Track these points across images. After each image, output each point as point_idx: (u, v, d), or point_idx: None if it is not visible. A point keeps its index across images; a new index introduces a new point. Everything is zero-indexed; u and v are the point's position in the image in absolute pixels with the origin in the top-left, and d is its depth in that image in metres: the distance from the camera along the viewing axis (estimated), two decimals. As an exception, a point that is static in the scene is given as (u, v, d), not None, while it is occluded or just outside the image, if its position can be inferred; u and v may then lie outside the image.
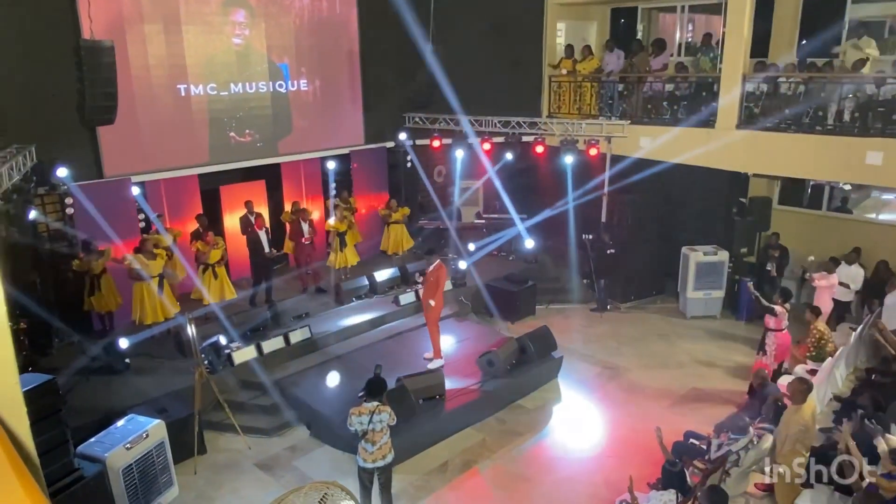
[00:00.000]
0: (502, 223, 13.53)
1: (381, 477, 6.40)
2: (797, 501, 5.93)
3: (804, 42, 11.78)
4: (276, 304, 10.54)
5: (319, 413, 8.25)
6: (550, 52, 13.70)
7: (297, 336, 9.62)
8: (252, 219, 11.07)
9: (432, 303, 9.22)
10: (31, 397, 5.37)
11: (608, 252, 12.09)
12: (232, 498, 7.19)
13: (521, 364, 9.25)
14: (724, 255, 11.53)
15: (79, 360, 8.61)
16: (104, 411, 7.64)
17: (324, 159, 12.93)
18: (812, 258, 10.79)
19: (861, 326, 9.49)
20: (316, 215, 12.70)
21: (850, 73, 10.01)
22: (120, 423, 6.91)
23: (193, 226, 10.91)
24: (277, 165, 12.52)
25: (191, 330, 7.74)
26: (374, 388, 6.27)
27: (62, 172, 9.22)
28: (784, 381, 7.82)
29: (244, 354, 9.05)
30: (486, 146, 12.89)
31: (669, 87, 12.20)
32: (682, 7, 13.73)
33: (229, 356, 8.92)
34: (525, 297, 11.91)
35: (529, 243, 12.73)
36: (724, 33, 11.19)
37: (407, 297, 11.13)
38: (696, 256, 11.54)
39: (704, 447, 6.71)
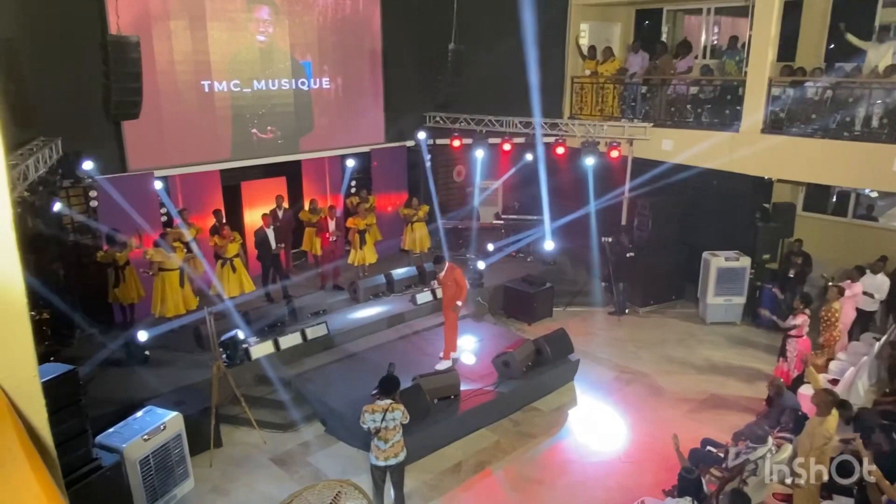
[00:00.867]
0: (521, 224, 13.48)
1: (394, 475, 6.41)
2: (816, 513, 5.84)
3: (832, 46, 11.59)
4: (294, 300, 10.60)
5: (334, 410, 8.29)
6: (573, 54, 13.62)
7: (314, 332, 9.67)
8: (279, 213, 11.21)
9: (460, 303, 9.21)
10: (52, 387, 5.49)
11: (627, 255, 12.00)
12: (246, 491, 7.24)
13: (537, 366, 9.20)
14: (745, 261, 11.36)
15: (99, 351, 8.73)
16: (123, 402, 7.74)
17: (344, 157, 12.99)
18: (824, 275, 10.61)
19: (885, 337, 9.31)
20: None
21: (879, 79, 9.83)
22: (138, 414, 7.00)
23: (212, 220, 11.00)
24: (298, 162, 12.61)
25: (210, 324, 7.81)
26: (388, 386, 6.27)
27: (88, 166, 9.36)
28: (804, 390, 7.70)
29: (262, 349, 9.12)
30: (507, 147, 12.83)
31: (693, 89, 12.07)
32: (708, 9, 13.58)
33: (247, 351, 9.00)
34: (543, 298, 11.84)
35: (549, 245, 12.65)
36: (750, 36, 11.04)
37: (424, 296, 11.14)
38: (717, 262, 11.39)
39: (722, 455, 6.61)
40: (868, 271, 10.15)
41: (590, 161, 11.93)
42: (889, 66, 9.89)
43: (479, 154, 13.26)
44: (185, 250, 10.10)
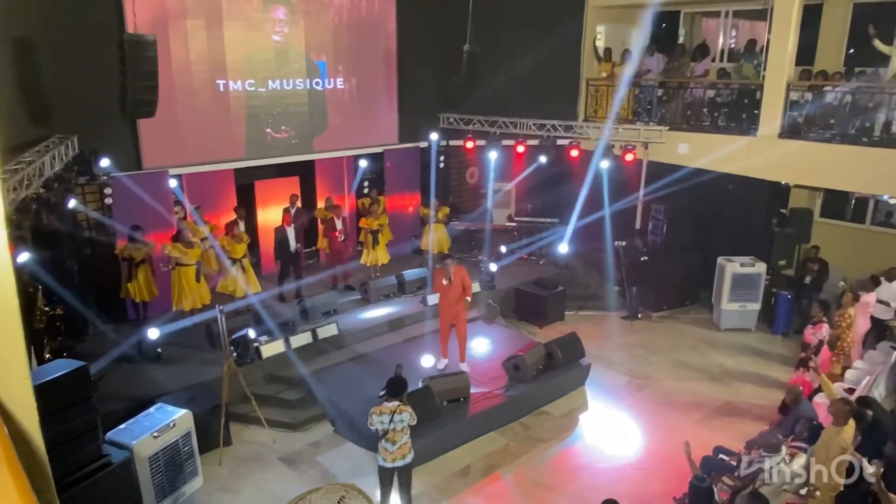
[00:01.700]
0: (534, 227, 13.42)
1: (402, 477, 6.38)
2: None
3: (852, 51, 11.43)
4: (305, 299, 10.62)
5: (343, 410, 8.28)
6: (588, 56, 13.55)
7: (325, 332, 9.68)
8: (292, 211, 11.23)
9: (469, 299, 9.18)
10: (63, 383, 5.53)
11: (641, 259, 11.89)
12: (255, 490, 7.25)
13: (547, 370, 9.14)
14: (761, 267, 11.22)
15: (112, 347, 8.78)
16: (134, 399, 7.77)
17: (357, 157, 12.99)
18: (842, 283, 10.44)
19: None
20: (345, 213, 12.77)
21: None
22: (149, 411, 7.02)
23: (229, 218, 11.01)
24: (311, 162, 12.64)
25: (221, 322, 7.84)
26: (395, 388, 6.25)
27: (105, 163, 9.43)
28: (820, 399, 7.58)
29: (272, 348, 9.14)
30: (521, 149, 12.77)
31: (710, 93, 11.96)
32: (726, 12, 13.45)
33: (258, 349, 9.02)
34: (554, 302, 11.76)
35: (563, 248, 12.57)
36: (768, 40, 10.91)
37: (434, 298, 11.09)
38: (732, 267, 11.24)
39: (734, 463, 6.53)
40: (883, 279, 10.00)
41: (604, 164, 11.85)
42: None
43: (493, 156, 13.21)
44: (201, 243, 10.16)
